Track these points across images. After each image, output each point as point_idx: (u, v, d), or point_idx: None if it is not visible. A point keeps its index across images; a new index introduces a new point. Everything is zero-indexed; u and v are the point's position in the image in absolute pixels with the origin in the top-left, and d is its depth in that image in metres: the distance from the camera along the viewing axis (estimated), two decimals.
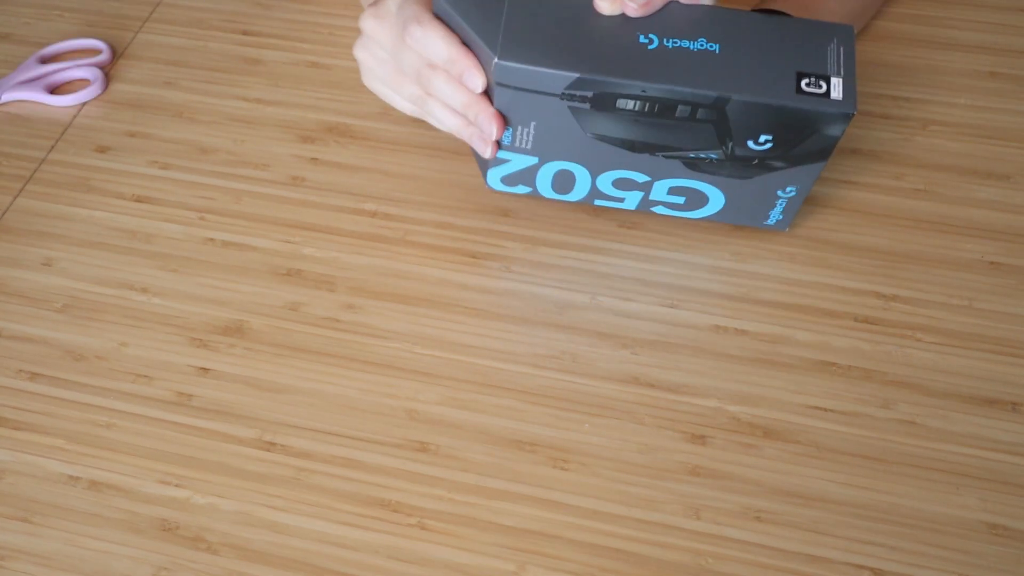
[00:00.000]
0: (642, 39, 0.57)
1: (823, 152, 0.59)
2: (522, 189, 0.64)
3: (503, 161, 0.63)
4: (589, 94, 0.58)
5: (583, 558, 0.54)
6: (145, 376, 0.63)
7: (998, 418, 0.59)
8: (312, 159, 0.74)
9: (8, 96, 0.80)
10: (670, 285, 0.65)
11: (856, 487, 0.56)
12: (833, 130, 0.58)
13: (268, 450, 0.59)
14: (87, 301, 0.67)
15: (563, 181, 0.64)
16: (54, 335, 0.65)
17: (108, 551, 0.56)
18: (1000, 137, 0.73)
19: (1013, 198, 0.69)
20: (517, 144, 0.61)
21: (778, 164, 0.61)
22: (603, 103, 0.58)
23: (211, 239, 0.70)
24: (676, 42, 0.57)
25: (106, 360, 0.64)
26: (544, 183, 0.64)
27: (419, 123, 0.75)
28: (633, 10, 0.57)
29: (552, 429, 0.59)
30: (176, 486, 0.58)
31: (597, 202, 0.65)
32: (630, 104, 0.58)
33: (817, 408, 0.60)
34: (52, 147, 0.76)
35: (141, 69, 0.82)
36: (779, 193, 0.63)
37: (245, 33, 0.84)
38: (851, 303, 0.64)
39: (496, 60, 0.56)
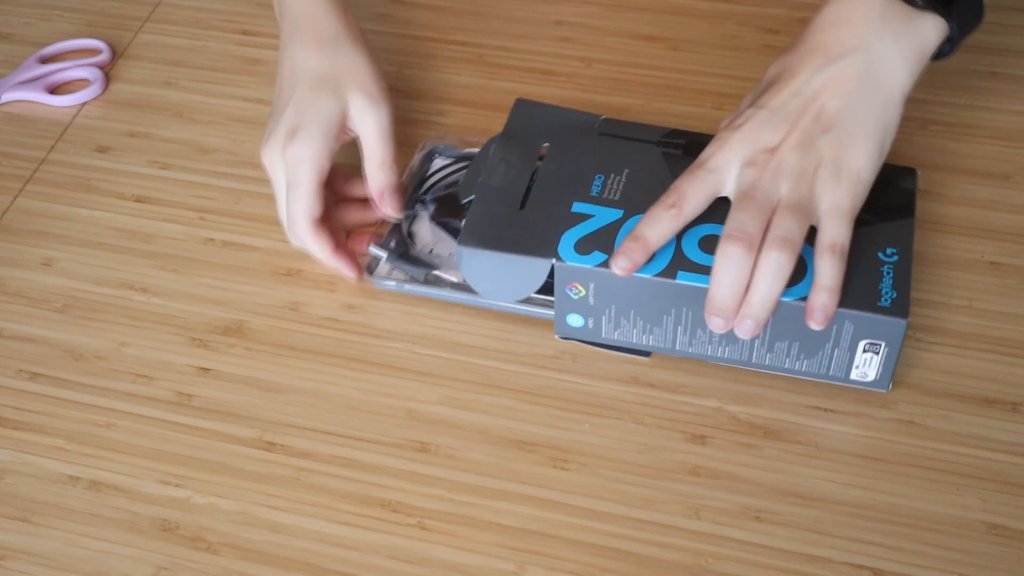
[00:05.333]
0: None
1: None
2: (595, 258, 0.58)
3: (584, 217, 0.59)
4: (683, 141, 0.63)
5: (583, 558, 0.54)
6: (145, 376, 0.63)
7: (998, 418, 0.59)
8: None
9: (8, 96, 0.80)
10: None
11: (856, 487, 0.56)
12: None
13: (268, 450, 0.59)
14: (87, 301, 0.67)
15: None
16: (54, 335, 0.65)
17: (108, 551, 0.56)
18: (1000, 137, 0.73)
19: (1013, 198, 0.69)
20: (606, 195, 0.61)
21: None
22: (696, 150, 0.59)
23: (211, 239, 0.70)
24: None
25: (106, 360, 0.64)
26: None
27: (418, 124, 0.75)
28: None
29: (552, 429, 0.59)
30: (176, 486, 0.58)
31: (680, 276, 0.57)
32: None
33: (817, 408, 0.60)
34: (52, 147, 0.76)
35: (141, 69, 0.82)
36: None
37: (245, 33, 0.84)
38: None
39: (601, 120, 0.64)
